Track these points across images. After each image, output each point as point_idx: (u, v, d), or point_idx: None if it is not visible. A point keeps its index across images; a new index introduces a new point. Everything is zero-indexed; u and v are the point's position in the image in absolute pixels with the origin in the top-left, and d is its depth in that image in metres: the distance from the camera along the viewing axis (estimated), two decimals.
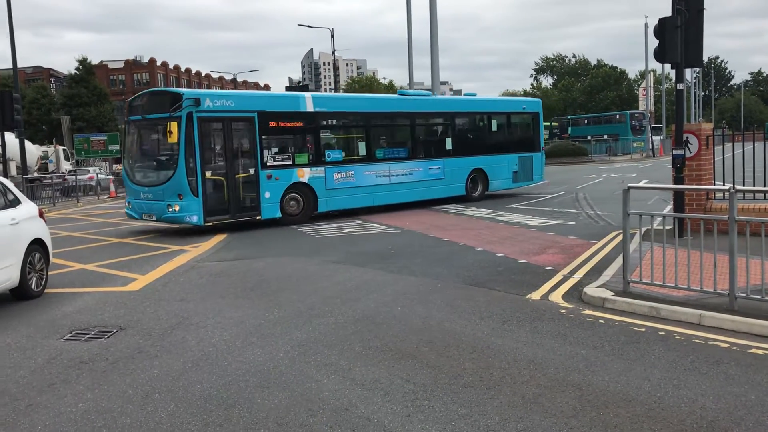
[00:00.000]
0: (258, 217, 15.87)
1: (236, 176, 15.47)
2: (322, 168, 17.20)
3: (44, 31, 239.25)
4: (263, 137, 15.97)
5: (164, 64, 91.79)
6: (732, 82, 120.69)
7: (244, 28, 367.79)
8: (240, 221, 15.68)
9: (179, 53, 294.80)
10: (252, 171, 15.74)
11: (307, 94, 17.66)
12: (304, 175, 16.82)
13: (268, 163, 16.00)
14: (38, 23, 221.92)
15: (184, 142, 14.49)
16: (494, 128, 21.92)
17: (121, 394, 5.21)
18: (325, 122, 17.98)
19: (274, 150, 16.52)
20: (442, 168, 20.12)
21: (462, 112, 21.46)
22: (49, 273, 9.53)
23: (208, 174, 14.93)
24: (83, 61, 59.63)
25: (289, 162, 16.68)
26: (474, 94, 23.69)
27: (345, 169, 17.77)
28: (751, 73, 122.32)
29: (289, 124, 16.84)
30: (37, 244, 9.05)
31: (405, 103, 20.07)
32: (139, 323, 7.37)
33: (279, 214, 16.25)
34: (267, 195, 15.97)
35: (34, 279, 8.89)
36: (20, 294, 8.66)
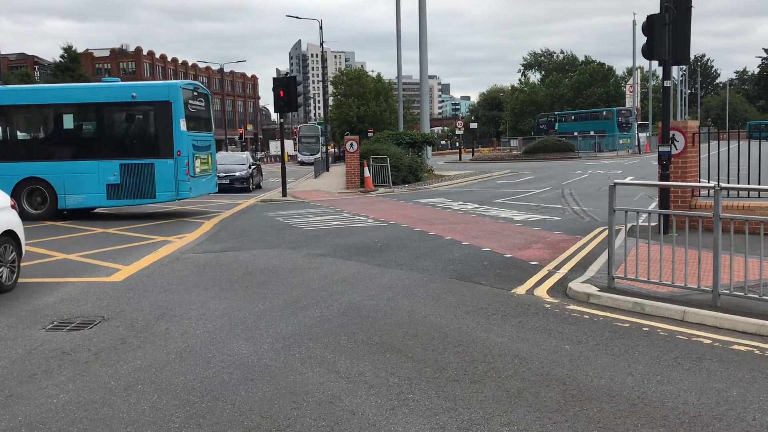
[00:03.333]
0: None
1: None
2: None
3: (24, 18, 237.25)
4: None
5: (150, 54, 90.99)
6: (718, 81, 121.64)
7: (227, 18, 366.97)
8: None
9: (162, 43, 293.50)
10: None
11: None
12: None
13: None
14: (18, 10, 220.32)
15: None
16: (68, 125, 16.89)
17: (103, 386, 5.16)
18: None
19: None
20: None
21: None
22: (33, 263, 9.42)
23: None
24: (68, 49, 59.01)
25: None
26: (117, 80, 18.92)
27: None
28: (737, 72, 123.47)
29: None
30: (8, 236, 8.71)
31: None
32: (123, 314, 7.30)
33: None
34: None
35: (5, 272, 8.55)
36: None
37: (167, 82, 18.59)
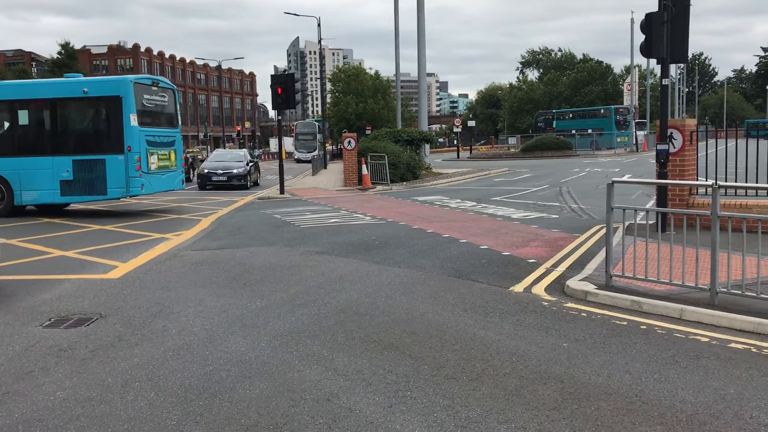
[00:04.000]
0: None
1: None
2: None
3: (20, 15, 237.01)
4: None
5: (148, 50, 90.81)
6: (715, 79, 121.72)
7: (224, 15, 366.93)
8: None
9: (159, 40, 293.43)
10: None
11: None
12: None
13: None
14: (14, 6, 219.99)
15: None
16: (23, 121, 16.90)
17: (100, 383, 5.15)
18: None
19: None
20: None
21: None
22: (30, 260, 9.39)
23: None
24: (66, 46, 58.84)
25: None
26: (79, 75, 18.53)
27: None
28: (734, 71, 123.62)
29: None
30: None
31: None
32: (120, 311, 7.29)
33: None
34: None
35: None
36: None
37: (119, 77, 18.83)
